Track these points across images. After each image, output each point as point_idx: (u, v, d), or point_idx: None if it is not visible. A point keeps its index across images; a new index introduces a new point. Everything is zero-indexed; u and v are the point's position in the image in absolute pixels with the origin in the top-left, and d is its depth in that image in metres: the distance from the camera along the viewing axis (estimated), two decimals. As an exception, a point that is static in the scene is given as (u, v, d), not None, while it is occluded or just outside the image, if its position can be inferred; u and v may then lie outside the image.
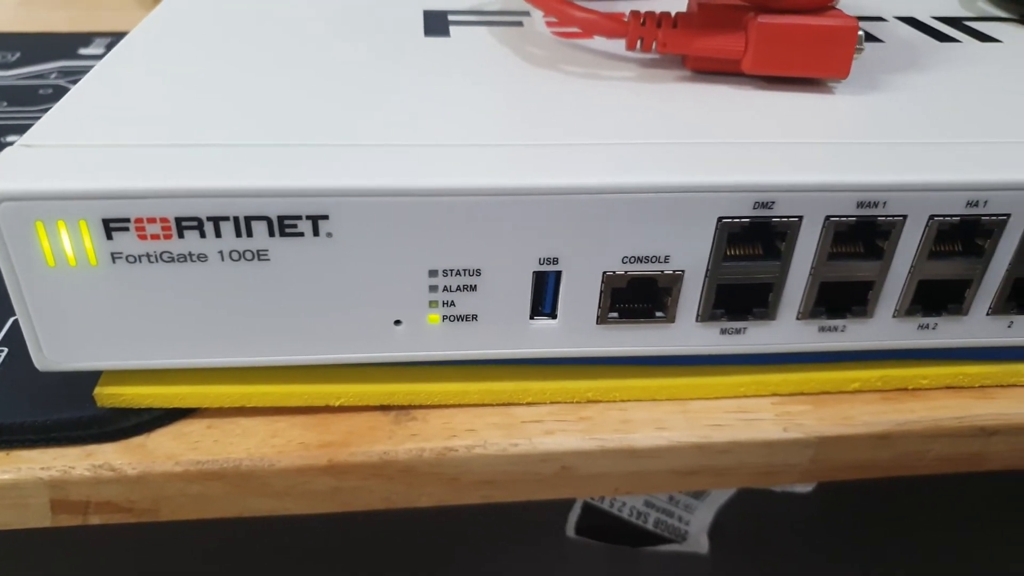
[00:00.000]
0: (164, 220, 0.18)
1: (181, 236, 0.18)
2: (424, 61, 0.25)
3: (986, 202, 0.20)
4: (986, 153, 0.20)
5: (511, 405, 0.22)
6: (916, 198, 0.20)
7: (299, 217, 0.18)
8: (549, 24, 0.29)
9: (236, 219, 0.18)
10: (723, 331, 0.21)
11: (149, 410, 0.21)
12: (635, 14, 0.24)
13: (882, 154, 0.20)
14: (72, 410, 0.21)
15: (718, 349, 0.22)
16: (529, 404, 0.23)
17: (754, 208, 0.19)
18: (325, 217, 0.18)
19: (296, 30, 0.28)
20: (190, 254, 0.19)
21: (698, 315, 0.21)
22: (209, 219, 0.18)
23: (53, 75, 0.40)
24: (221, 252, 0.19)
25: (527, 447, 0.21)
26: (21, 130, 0.21)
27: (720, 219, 0.19)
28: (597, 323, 0.21)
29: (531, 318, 0.21)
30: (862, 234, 0.20)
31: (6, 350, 0.23)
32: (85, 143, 0.19)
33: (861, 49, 0.23)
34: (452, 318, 0.20)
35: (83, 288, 0.19)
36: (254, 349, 0.20)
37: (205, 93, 0.22)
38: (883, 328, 0.22)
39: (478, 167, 0.19)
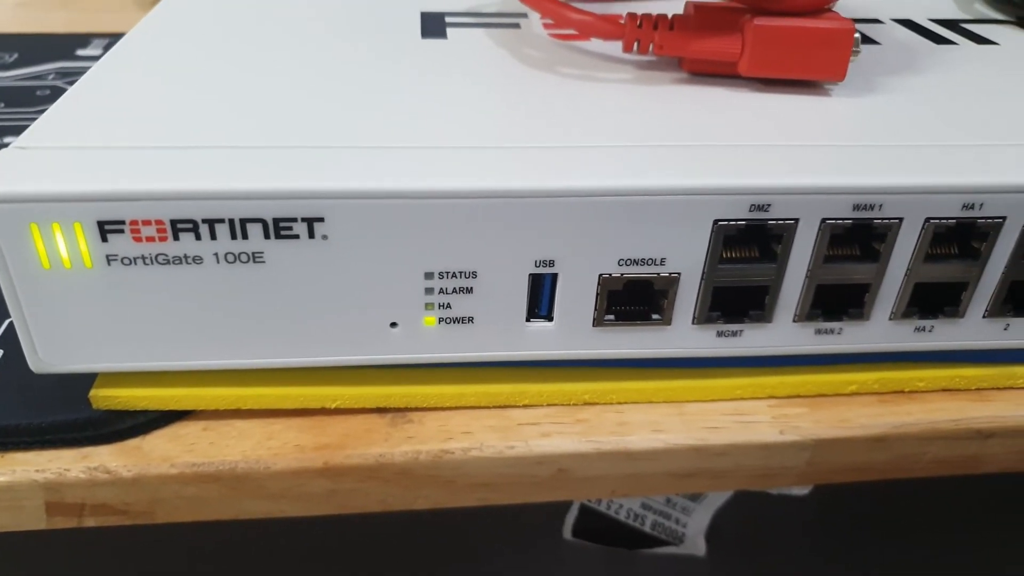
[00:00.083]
0: (159, 222, 0.18)
1: (176, 238, 0.18)
2: (421, 63, 0.25)
3: (982, 205, 0.20)
4: (982, 156, 0.20)
5: (507, 407, 0.22)
6: (912, 201, 0.20)
7: (294, 219, 0.18)
8: (546, 26, 0.29)
9: (231, 221, 0.18)
10: (719, 333, 0.21)
11: (145, 412, 0.21)
12: (632, 16, 0.24)
13: (878, 157, 0.20)
14: (67, 412, 0.21)
15: (714, 351, 0.22)
16: (525, 406, 0.23)
17: (750, 211, 0.19)
18: (320, 219, 0.18)
19: (293, 32, 0.27)
20: (185, 256, 0.19)
21: (694, 317, 0.21)
22: (204, 221, 0.18)
23: (51, 76, 0.40)
24: (216, 254, 0.19)
25: (523, 449, 0.21)
26: (18, 131, 0.21)
27: (716, 221, 0.19)
28: (593, 325, 0.21)
29: (527, 320, 0.21)
30: (858, 237, 0.20)
31: (1, 352, 0.23)
32: (81, 145, 0.19)
33: (857, 51, 0.23)
34: (448, 320, 0.20)
35: (78, 290, 0.19)
36: (250, 351, 0.20)
37: (201, 95, 0.22)
38: (879, 331, 0.22)
39: (474, 169, 0.19)
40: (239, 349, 0.20)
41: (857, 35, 0.23)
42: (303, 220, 0.18)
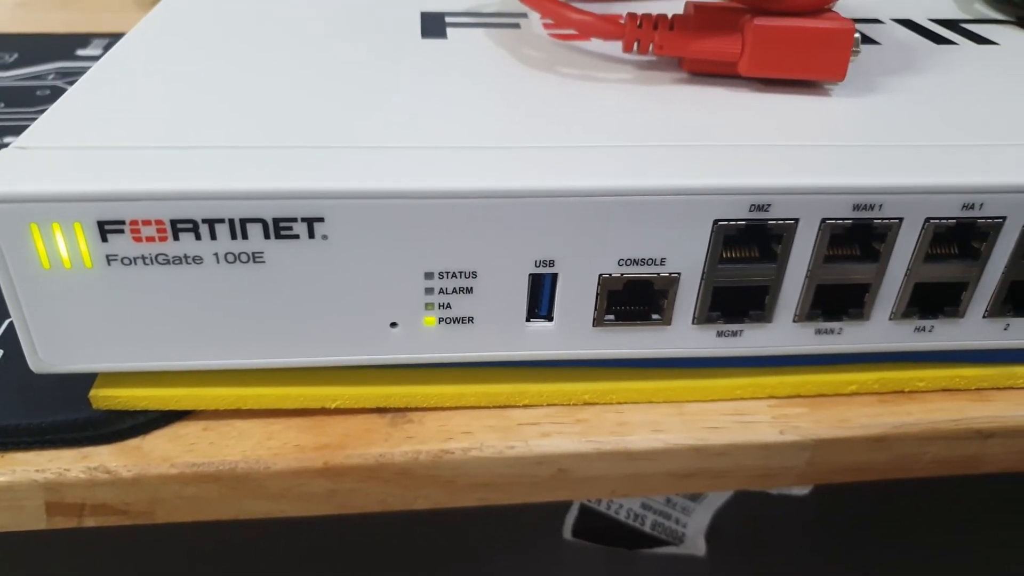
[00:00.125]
0: (159, 222, 0.18)
1: (176, 238, 0.18)
2: (421, 63, 0.25)
3: (982, 205, 0.20)
4: (982, 156, 0.20)
5: (507, 407, 0.22)
6: (912, 201, 0.20)
7: (294, 219, 0.18)
8: (546, 26, 0.29)
9: (231, 221, 0.18)
10: (719, 333, 0.21)
11: (145, 412, 0.21)
12: (632, 16, 0.24)
13: (878, 157, 0.20)
14: (67, 412, 0.21)
15: (714, 351, 0.22)
16: (525, 406, 0.23)
17: (750, 211, 0.19)
18: (320, 219, 0.18)
19: (293, 32, 0.27)
20: (185, 256, 0.19)
21: (694, 317, 0.21)
22: (204, 221, 0.18)
23: (51, 76, 0.40)
24: (216, 254, 0.19)
25: (523, 449, 0.21)
26: (18, 131, 0.21)
27: (716, 221, 0.19)
28: (593, 325, 0.21)
29: (527, 320, 0.21)
30: (858, 237, 0.20)
31: (1, 352, 0.23)
32: (80, 145, 0.19)
33: (857, 51, 0.23)
34: (448, 320, 0.20)
35: (78, 290, 0.19)
36: (250, 351, 0.20)
37: (201, 95, 0.22)
38: (879, 331, 0.22)
39: (474, 169, 0.19)
40: (239, 349, 0.20)
41: (857, 35, 0.23)
42: (303, 220, 0.18)
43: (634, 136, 0.21)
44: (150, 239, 0.18)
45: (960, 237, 0.21)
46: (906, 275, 0.21)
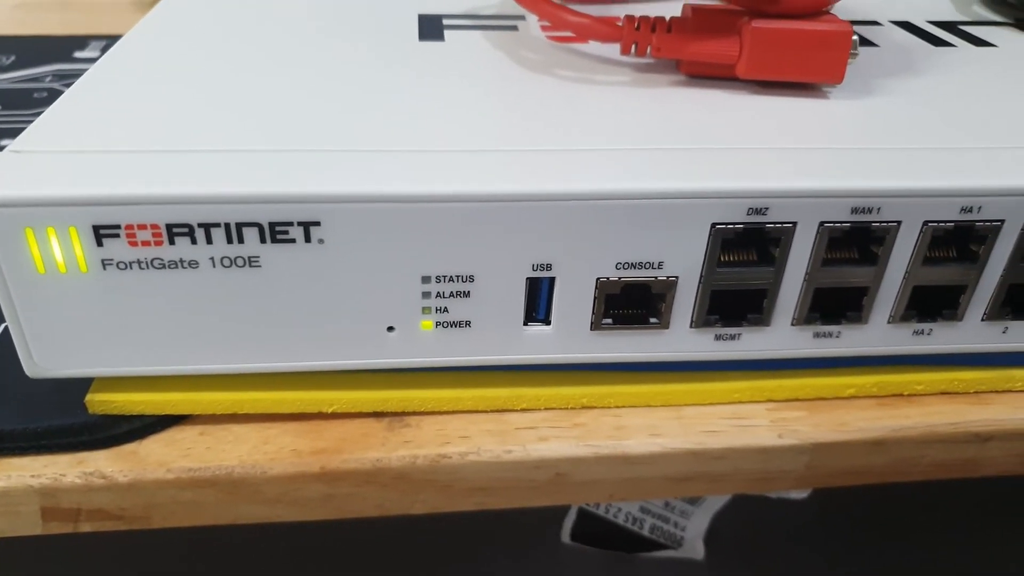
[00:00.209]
0: (155, 227, 0.18)
1: (172, 243, 0.18)
2: (418, 66, 0.25)
3: (980, 208, 0.20)
4: (980, 158, 0.20)
5: (505, 412, 0.22)
6: (910, 204, 0.20)
7: (290, 223, 0.18)
8: (544, 28, 0.29)
9: (227, 225, 0.18)
10: (717, 337, 0.21)
11: (141, 417, 0.21)
12: (629, 19, 0.24)
13: (876, 160, 0.20)
14: (63, 417, 0.21)
15: (712, 355, 0.22)
16: (523, 411, 0.22)
17: (748, 214, 0.19)
18: (317, 223, 0.18)
19: (290, 35, 0.27)
20: (181, 260, 0.19)
21: (692, 321, 0.21)
22: (200, 226, 0.18)
23: (48, 78, 0.40)
24: (212, 259, 0.19)
25: (521, 454, 0.21)
26: (14, 134, 0.21)
27: (714, 225, 0.19)
28: (591, 329, 0.21)
29: (525, 324, 0.21)
30: (856, 240, 0.20)
31: (-3, 356, 0.23)
32: (76, 149, 0.19)
33: (855, 54, 0.23)
34: (445, 324, 0.20)
35: (73, 295, 0.19)
36: (246, 356, 0.20)
37: (198, 98, 0.22)
38: (878, 334, 0.22)
39: (471, 173, 0.19)
40: (235, 353, 0.20)
41: (855, 37, 0.23)
42: (299, 224, 0.18)
43: (631, 139, 0.21)
44: (146, 243, 0.18)
45: (958, 240, 0.21)
46: (904, 278, 0.21)
